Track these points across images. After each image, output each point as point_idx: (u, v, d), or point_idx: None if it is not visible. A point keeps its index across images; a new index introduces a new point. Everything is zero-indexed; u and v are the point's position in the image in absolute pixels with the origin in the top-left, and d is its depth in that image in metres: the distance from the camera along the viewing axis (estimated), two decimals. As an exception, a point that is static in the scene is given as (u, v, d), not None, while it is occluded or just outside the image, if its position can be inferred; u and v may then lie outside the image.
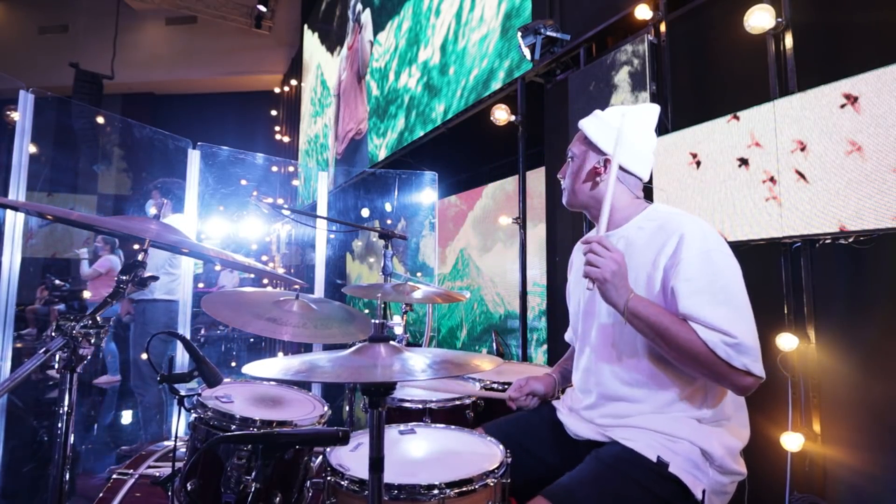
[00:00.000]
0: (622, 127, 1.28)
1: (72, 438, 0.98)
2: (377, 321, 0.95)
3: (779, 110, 1.89)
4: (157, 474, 1.55)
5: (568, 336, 1.58)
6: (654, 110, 1.35)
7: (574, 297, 1.46)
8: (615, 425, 1.23)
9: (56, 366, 0.95)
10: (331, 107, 8.70)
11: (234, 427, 1.26)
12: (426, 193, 5.11)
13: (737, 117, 2.02)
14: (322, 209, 4.24)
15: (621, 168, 1.30)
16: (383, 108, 6.43)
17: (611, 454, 1.18)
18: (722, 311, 1.07)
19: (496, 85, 4.01)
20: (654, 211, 1.29)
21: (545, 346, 3.80)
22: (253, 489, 1.11)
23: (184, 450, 1.57)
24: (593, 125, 1.34)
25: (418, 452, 1.24)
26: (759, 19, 1.97)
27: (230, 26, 11.95)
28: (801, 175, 1.81)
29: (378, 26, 6.75)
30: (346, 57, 8.17)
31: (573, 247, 1.59)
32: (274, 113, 13.18)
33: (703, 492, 1.12)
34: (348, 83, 7.86)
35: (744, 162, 1.99)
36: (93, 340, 0.97)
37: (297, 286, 1.46)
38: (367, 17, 7.22)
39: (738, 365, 1.05)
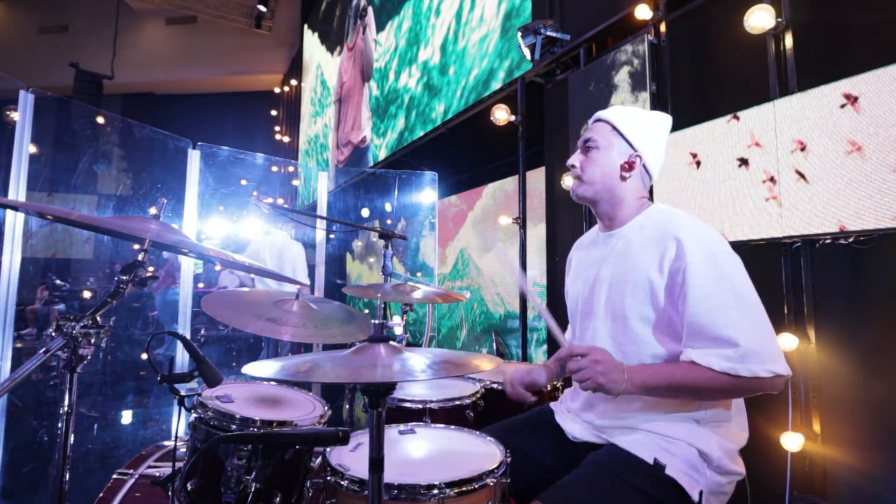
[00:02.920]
0: (652, 126, 1.31)
1: (72, 438, 0.98)
2: (377, 321, 0.95)
3: (779, 110, 1.89)
4: (157, 474, 1.55)
5: (567, 335, 1.58)
6: (670, 121, 1.38)
7: (571, 296, 1.45)
8: (612, 427, 1.23)
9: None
10: (331, 107, 8.67)
11: (234, 427, 1.26)
12: (426, 193, 5.11)
13: (737, 117, 2.02)
14: (322, 209, 4.24)
15: (644, 166, 1.31)
16: (383, 108, 6.43)
17: (607, 457, 1.18)
18: (729, 317, 1.07)
19: (496, 85, 4.01)
20: (656, 211, 1.29)
21: (545, 347, 3.80)
22: (253, 489, 1.11)
23: (184, 450, 1.57)
24: (623, 118, 1.32)
25: (418, 452, 1.24)
26: (759, 19, 1.97)
27: (230, 26, 11.94)
28: (801, 175, 1.81)
29: (378, 26, 6.75)
30: (346, 58, 7.98)
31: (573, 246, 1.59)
32: (274, 113, 13.17)
33: (701, 493, 1.12)
34: (350, 86, 7.68)
35: (744, 162, 1.99)
36: (93, 340, 0.97)
37: (297, 286, 1.46)
38: (370, 14, 7.04)
39: (745, 374, 1.05)
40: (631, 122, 1.31)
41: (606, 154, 1.31)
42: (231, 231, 5.86)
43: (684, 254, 1.13)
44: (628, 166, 1.29)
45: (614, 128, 1.31)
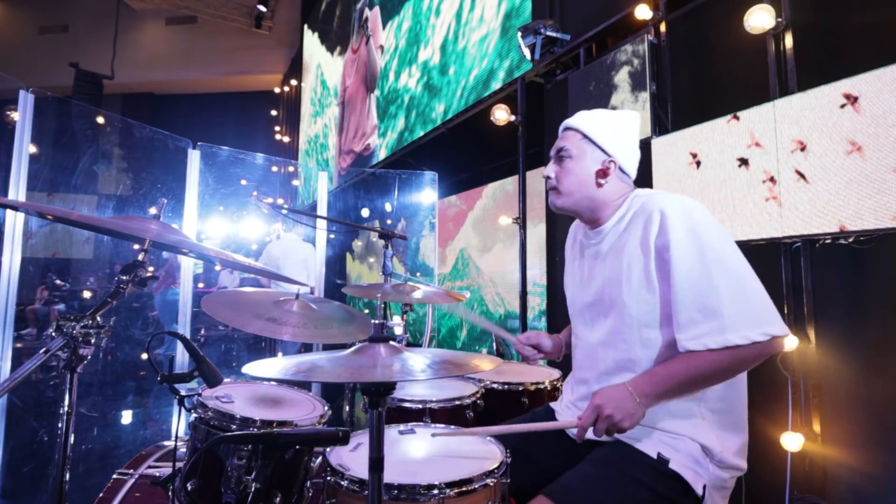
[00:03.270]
0: (622, 128, 1.30)
1: (72, 438, 0.98)
2: (377, 321, 0.95)
3: (779, 110, 1.89)
4: (157, 474, 1.55)
5: (563, 335, 1.59)
6: (639, 118, 1.37)
7: (568, 298, 1.44)
8: None
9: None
10: (331, 107, 8.65)
11: (234, 427, 1.26)
12: (426, 193, 5.11)
13: (737, 117, 2.02)
14: (322, 209, 4.24)
15: (620, 168, 1.30)
16: (383, 108, 6.43)
17: (611, 452, 1.18)
18: (716, 287, 1.07)
19: (496, 85, 4.01)
20: (634, 197, 1.28)
21: (545, 346, 3.79)
22: (253, 489, 1.11)
23: (184, 450, 1.57)
24: (592, 124, 1.30)
25: (418, 452, 1.24)
26: (759, 19, 1.97)
27: (230, 26, 11.95)
28: (801, 175, 1.81)
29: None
30: (350, 60, 7.86)
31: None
32: (274, 113, 13.18)
33: (704, 487, 1.12)
34: (353, 93, 7.57)
35: (744, 162, 1.99)
36: (93, 340, 0.97)
37: (296, 286, 1.46)
38: (375, 15, 6.82)
39: (741, 342, 1.05)
40: (600, 128, 1.29)
41: (580, 163, 1.29)
42: (231, 231, 5.85)
43: (667, 229, 1.12)
44: (603, 173, 1.28)
45: (584, 135, 1.30)
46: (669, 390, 1.11)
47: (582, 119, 1.32)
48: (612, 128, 1.30)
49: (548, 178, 1.33)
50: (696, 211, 1.14)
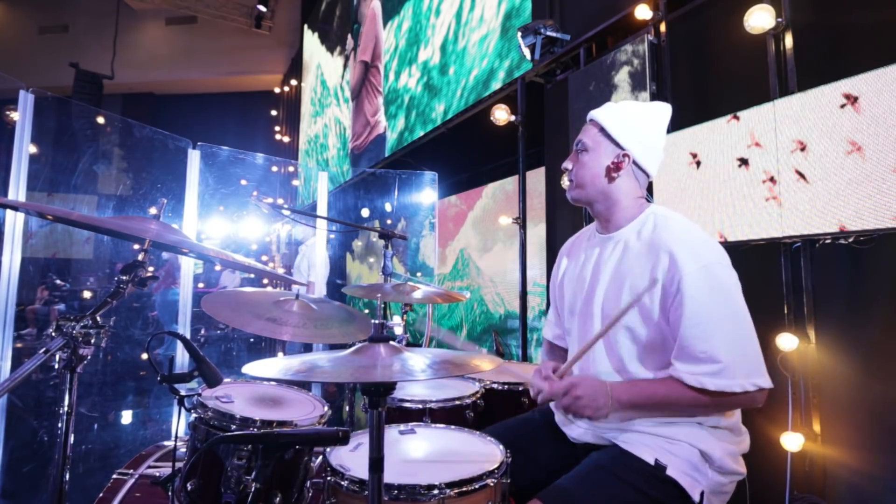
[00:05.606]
0: (642, 121, 1.28)
1: (72, 438, 0.98)
2: (377, 321, 0.95)
3: (779, 110, 1.89)
4: (157, 474, 1.55)
5: (550, 334, 1.53)
6: (668, 109, 1.34)
7: (568, 295, 1.41)
8: (614, 429, 1.22)
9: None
10: (331, 107, 8.62)
11: (234, 427, 1.26)
12: (426, 193, 5.11)
13: (737, 117, 2.02)
14: (322, 209, 4.24)
15: (636, 164, 1.28)
16: (383, 108, 6.43)
17: (608, 457, 1.18)
18: (721, 331, 1.07)
19: (496, 85, 4.01)
20: (653, 215, 1.26)
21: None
22: (253, 489, 1.11)
23: (184, 450, 1.57)
24: (611, 117, 1.30)
25: (418, 452, 1.24)
26: (759, 19, 1.97)
27: (230, 26, 11.94)
28: (801, 175, 1.81)
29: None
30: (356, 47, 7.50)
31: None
32: (274, 113, 13.17)
33: (702, 494, 1.12)
34: (356, 83, 7.40)
35: (744, 162, 1.99)
36: (93, 340, 0.97)
37: (297, 286, 1.46)
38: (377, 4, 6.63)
39: (736, 389, 1.05)
40: (618, 122, 1.28)
41: (595, 156, 1.29)
42: (231, 231, 5.85)
43: (678, 266, 1.11)
44: (615, 167, 1.27)
45: (601, 128, 1.30)
46: (644, 405, 1.13)
47: (603, 111, 1.32)
48: (631, 121, 1.28)
49: (566, 169, 1.35)
50: (711, 250, 1.14)
